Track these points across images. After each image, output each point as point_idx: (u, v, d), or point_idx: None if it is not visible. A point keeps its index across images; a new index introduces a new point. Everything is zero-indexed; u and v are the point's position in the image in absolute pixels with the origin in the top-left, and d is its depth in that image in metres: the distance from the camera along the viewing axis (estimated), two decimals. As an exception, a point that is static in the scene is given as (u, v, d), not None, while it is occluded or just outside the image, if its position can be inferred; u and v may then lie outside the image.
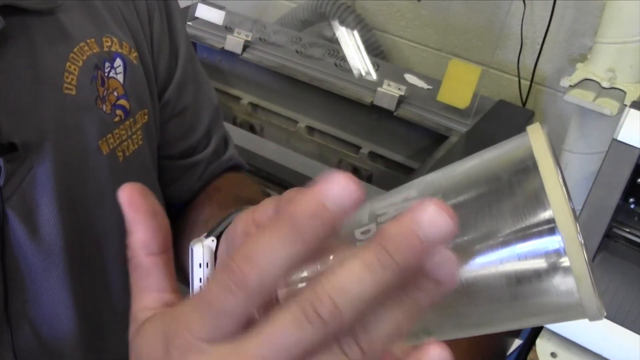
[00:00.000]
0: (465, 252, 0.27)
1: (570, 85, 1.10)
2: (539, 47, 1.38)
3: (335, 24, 1.51)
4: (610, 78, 1.08)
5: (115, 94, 0.54)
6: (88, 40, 0.52)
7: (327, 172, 0.23)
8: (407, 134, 1.34)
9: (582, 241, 0.25)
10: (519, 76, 1.43)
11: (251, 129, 1.52)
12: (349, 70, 1.39)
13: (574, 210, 0.26)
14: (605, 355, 0.95)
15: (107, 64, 0.53)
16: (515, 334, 1.17)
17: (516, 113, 1.35)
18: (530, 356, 1.03)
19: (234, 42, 1.46)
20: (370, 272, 0.22)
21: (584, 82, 1.10)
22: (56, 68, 0.49)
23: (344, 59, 1.42)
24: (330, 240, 0.25)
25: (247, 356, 0.24)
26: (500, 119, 1.30)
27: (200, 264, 0.40)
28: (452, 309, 0.28)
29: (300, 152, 1.40)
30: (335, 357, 0.24)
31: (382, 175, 1.37)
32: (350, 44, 1.43)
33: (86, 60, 0.51)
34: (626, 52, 1.07)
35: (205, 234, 0.42)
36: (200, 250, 0.40)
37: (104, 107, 0.53)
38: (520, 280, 0.26)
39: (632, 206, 0.99)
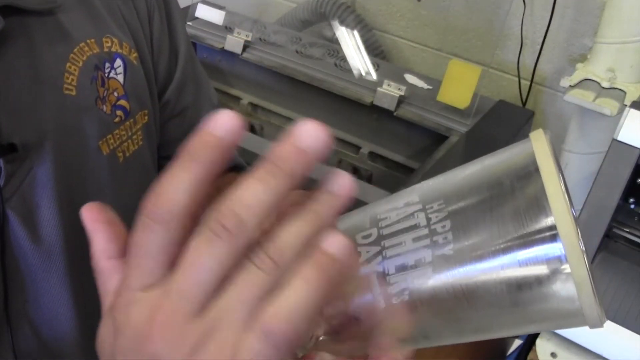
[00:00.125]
0: (466, 258, 0.27)
1: (570, 85, 1.10)
2: (539, 47, 1.38)
3: (335, 24, 1.51)
4: (610, 78, 1.08)
5: (116, 94, 0.54)
6: (88, 41, 0.52)
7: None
8: (407, 134, 1.34)
9: (584, 248, 0.25)
10: (519, 76, 1.43)
11: (251, 129, 1.52)
12: (349, 70, 1.39)
13: (575, 216, 0.26)
14: (605, 355, 0.95)
15: (107, 65, 0.53)
16: (515, 334, 1.17)
17: (516, 113, 1.35)
18: (530, 356, 1.03)
19: (234, 42, 1.46)
20: (262, 183, 0.25)
21: (584, 82, 1.10)
22: (56, 68, 0.49)
23: (344, 59, 1.42)
24: None
25: (174, 292, 0.26)
26: (500, 119, 1.30)
27: None
28: (451, 315, 0.28)
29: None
30: (251, 274, 0.25)
31: (382, 175, 1.37)
32: (350, 44, 1.43)
33: (86, 61, 0.51)
34: (626, 52, 1.07)
35: None
36: None
37: (104, 108, 0.53)
38: (521, 287, 0.26)
39: (632, 206, 0.99)
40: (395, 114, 1.29)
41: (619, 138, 0.90)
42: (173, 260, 0.27)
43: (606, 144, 0.92)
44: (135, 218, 0.27)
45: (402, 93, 1.29)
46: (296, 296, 0.25)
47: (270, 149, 0.26)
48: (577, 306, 0.26)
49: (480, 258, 0.26)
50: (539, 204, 0.26)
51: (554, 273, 0.26)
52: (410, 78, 1.36)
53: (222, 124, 0.27)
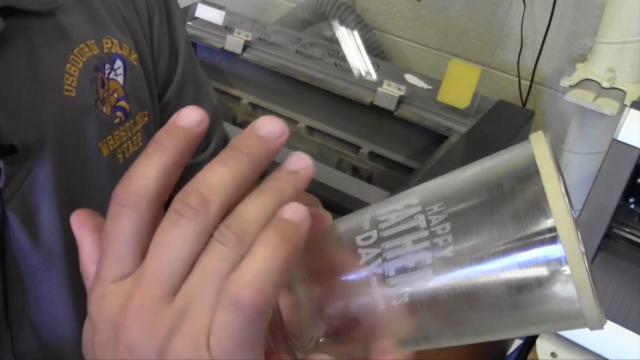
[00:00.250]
0: (466, 259, 0.27)
1: (570, 85, 1.10)
2: (539, 47, 1.38)
3: (335, 24, 1.51)
4: (610, 78, 1.08)
5: (115, 95, 0.54)
6: (88, 42, 0.52)
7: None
8: (407, 134, 1.34)
9: (584, 250, 0.25)
10: (519, 76, 1.43)
11: (251, 129, 1.52)
12: (349, 70, 1.39)
13: (575, 218, 0.26)
14: (605, 355, 0.95)
15: (107, 66, 0.53)
16: (515, 334, 1.17)
17: (516, 113, 1.35)
18: (530, 356, 1.03)
19: (234, 42, 1.46)
20: (225, 165, 0.27)
21: (584, 82, 1.10)
22: (56, 69, 0.49)
23: (344, 59, 1.42)
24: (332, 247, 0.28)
25: (144, 277, 0.26)
26: (500, 119, 1.30)
27: None
28: (452, 317, 0.28)
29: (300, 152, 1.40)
30: (215, 251, 0.26)
31: (382, 175, 1.37)
32: (350, 44, 1.43)
33: (86, 62, 0.51)
34: (626, 52, 1.07)
35: None
36: None
37: (104, 109, 0.53)
38: (521, 289, 0.26)
39: (632, 206, 0.99)
40: (395, 114, 1.29)
41: (619, 138, 0.90)
42: (145, 248, 0.27)
43: (606, 144, 0.92)
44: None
45: (402, 93, 1.29)
46: (259, 263, 0.25)
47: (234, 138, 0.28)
48: (577, 308, 0.26)
49: (480, 260, 0.26)
50: (539, 206, 0.26)
51: (554, 275, 0.26)
52: (410, 78, 1.36)
53: (188, 115, 0.28)
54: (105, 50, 0.53)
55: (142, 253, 0.27)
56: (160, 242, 0.26)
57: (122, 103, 0.55)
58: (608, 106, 1.06)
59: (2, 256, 0.48)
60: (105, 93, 0.53)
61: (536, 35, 1.39)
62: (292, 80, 1.41)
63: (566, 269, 0.25)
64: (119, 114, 0.54)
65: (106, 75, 0.53)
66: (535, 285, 0.26)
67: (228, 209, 0.26)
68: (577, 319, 0.26)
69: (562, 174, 0.27)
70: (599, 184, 0.94)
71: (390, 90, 1.30)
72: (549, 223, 0.25)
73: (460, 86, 1.24)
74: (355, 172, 1.38)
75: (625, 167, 0.91)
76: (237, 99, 1.55)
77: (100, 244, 0.28)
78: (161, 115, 0.62)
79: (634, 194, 0.96)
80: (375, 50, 1.56)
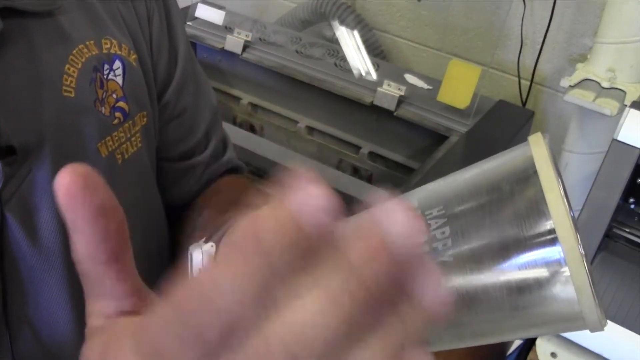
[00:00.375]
0: (466, 263, 0.27)
1: (570, 85, 1.10)
2: (539, 47, 1.38)
3: (335, 24, 1.51)
4: (610, 78, 1.08)
5: (114, 96, 0.54)
6: (87, 42, 0.52)
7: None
8: (407, 134, 1.34)
9: (583, 252, 0.25)
10: (519, 76, 1.43)
11: (251, 129, 1.52)
12: (349, 70, 1.39)
13: (574, 220, 0.26)
14: (605, 355, 0.95)
15: (106, 66, 0.53)
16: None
17: (516, 113, 1.35)
18: (530, 356, 1.03)
19: (234, 42, 1.46)
20: (335, 306, 0.18)
21: (584, 82, 1.10)
22: (55, 70, 0.49)
23: (344, 59, 1.42)
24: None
25: None
26: (500, 119, 1.30)
27: (200, 269, 0.40)
28: (452, 321, 0.28)
29: (300, 152, 1.40)
30: None
31: (382, 175, 1.37)
32: (350, 44, 1.43)
33: (85, 63, 0.51)
34: (626, 52, 1.07)
35: (204, 239, 0.42)
36: (200, 256, 0.40)
37: (103, 110, 0.53)
38: (521, 291, 0.26)
39: (632, 206, 0.99)
40: (395, 114, 1.29)
41: (619, 138, 0.90)
42: None
43: (606, 144, 0.92)
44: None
45: (402, 93, 1.29)
46: None
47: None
48: (577, 310, 0.26)
49: (480, 263, 0.26)
50: (538, 208, 0.26)
51: (554, 277, 0.26)
52: (410, 78, 1.36)
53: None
54: (105, 51, 0.53)
55: None
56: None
57: (121, 104, 0.54)
58: (608, 106, 1.06)
59: (1, 257, 0.48)
60: (104, 94, 0.53)
61: (536, 35, 1.39)
62: (292, 80, 1.41)
63: (566, 271, 0.25)
64: (117, 114, 0.54)
65: (105, 76, 0.53)
66: (535, 287, 0.26)
67: None
68: (577, 321, 0.26)
69: (560, 176, 0.27)
70: (599, 184, 0.94)
71: (390, 90, 1.30)
72: (548, 225, 0.25)
73: (460, 86, 1.24)
74: (355, 172, 1.38)
75: (625, 167, 0.91)
76: (237, 99, 1.55)
77: (101, 238, 0.22)
78: (160, 115, 0.62)
79: (634, 194, 0.96)
80: (375, 50, 1.56)
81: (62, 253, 0.50)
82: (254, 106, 1.53)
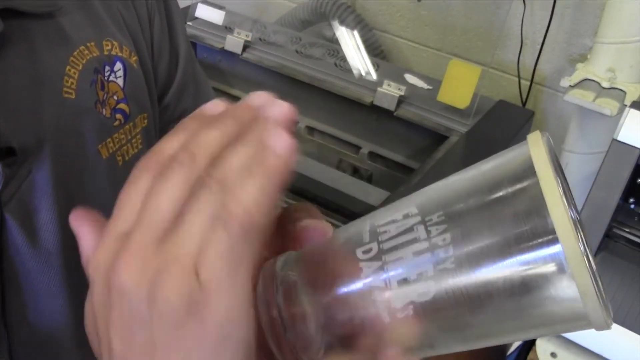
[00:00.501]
0: (468, 268, 0.27)
1: (570, 85, 1.10)
2: (539, 47, 1.38)
3: (335, 24, 1.51)
4: (610, 78, 1.08)
5: (115, 97, 0.54)
6: (88, 44, 0.52)
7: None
8: (407, 134, 1.34)
9: (586, 250, 0.25)
10: (519, 76, 1.43)
11: (251, 129, 1.52)
12: (349, 70, 1.39)
13: (576, 218, 0.26)
14: (605, 355, 0.95)
15: (107, 68, 0.53)
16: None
17: (516, 113, 1.35)
18: (530, 356, 1.03)
19: (234, 42, 1.46)
20: (213, 127, 0.28)
21: (584, 82, 1.10)
22: (56, 71, 0.49)
23: (344, 59, 1.42)
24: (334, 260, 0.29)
25: (136, 228, 0.27)
26: (500, 119, 1.30)
27: None
28: (456, 325, 0.28)
29: (300, 152, 1.40)
30: (200, 194, 0.27)
31: (382, 175, 1.37)
32: (350, 44, 1.43)
33: (86, 64, 0.51)
34: (626, 52, 1.07)
35: None
36: None
37: (104, 111, 0.53)
38: (523, 291, 0.26)
39: (632, 206, 0.99)
40: (395, 114, 1.29)
41: (619, 138, 0.90)
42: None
43: (606, 144, 0.92)
44: None
45: (402, 93, 1.29)
46: (247, 189, 0.26)
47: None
48: (580, 309, 0.26)
49: (481, 267, 0.26)
50: (538, 209, 0.26)
51: (556, 276, 0.26)
52: (410, 78, 1.36)
53: (211, 107, 0.30)
54: (105, 52, 0.53)
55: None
56: (151, 193, 0.27)
57: (122, 105, 0.54)
58: (608, 106, 1.06)
59: (0, 258, 0.48)
60: (105, 95, 0.53)
61: (536, 35, 1.39)
62: (292, 80, 1.41)
63: (568, 270, 0.25)
64: (118, 116, 0.54)
65: (106, 78, 0.53)
66: (537, 288, 0.26)
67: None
68: (582, 320, 0.26)
69: (562, 173, 0.27)
70: (599, 184, 0.94)
71: (390, 90, 1.30)
72: (548, 225, 0.25)
73: (460, 86, 1.24)
74: (355, 172, 1.38)
75: (625, 167, 0.91)
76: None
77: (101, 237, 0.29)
78: (161, 117, 0.62)
79: (634, 194, 0.96)
80: (375, 50, 1.56)
81: (61, 254, 0.50)
82: (254, 106, 1.53)
